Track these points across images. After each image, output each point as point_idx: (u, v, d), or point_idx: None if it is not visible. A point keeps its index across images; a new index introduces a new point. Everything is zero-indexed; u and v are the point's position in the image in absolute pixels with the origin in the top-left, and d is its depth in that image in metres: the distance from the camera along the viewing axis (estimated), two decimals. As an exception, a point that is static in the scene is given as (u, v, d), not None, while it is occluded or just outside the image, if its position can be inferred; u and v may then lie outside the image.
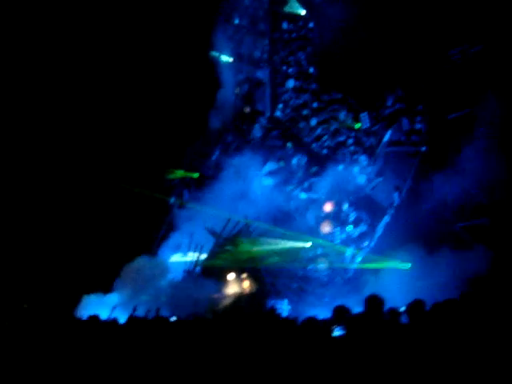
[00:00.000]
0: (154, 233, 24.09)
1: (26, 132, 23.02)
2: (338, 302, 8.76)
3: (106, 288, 20.75)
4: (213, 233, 21.33)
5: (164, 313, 13.23)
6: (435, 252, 17.38)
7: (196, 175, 25.15)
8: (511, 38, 15.81)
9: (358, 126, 21.66)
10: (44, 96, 23.55)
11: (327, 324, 7.24)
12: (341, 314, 7.29)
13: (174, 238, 23.19)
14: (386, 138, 20.70)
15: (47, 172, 22.83)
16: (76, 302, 19.77)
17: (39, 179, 22.79)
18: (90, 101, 23.95)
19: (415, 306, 7.54)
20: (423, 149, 19.71)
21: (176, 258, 22.47)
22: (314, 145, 22.47)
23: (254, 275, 20.06)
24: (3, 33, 22.47)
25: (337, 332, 7.18)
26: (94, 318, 8.56)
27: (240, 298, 18.78)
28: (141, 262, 21.39)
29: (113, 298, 19.92)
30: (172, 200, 25.23)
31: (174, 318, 9.09)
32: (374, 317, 6.36)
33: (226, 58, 24.76)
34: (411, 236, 18.07)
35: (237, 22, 24.64)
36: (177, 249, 22.69)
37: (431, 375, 5.32)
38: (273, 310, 11.19)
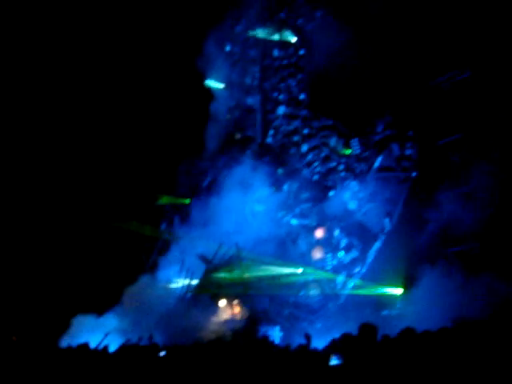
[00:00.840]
0: (145, 259, 23.97)
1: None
2: (330, 329, 8.73)
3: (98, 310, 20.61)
4: (204, 259, 21.24)
5: (156, 339, 13.10)
6: (426, 277, 17.40)
7: (187, 201, 25.11)
8: (498, 64, 15.96)
9: (348, 152, 21.74)
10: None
11: (324, 352, 7.21)
12: (341, 343, 7.26)
13: (165, 264, 23.04)
14: (377, 163, 20.78)
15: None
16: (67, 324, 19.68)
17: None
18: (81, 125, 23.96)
19: (406, 334, 7.54)
20: (413, 174, 19.79)
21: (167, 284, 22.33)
22: (304, 171, 22.48)
23: (246, 302, 19.96)
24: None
25: (334, 361, 7.16)
26: (84, 347, 8.46)
27: (231, 325, 18.64)
28: (144, 282, 21.36)
29: (106, 320, 19.85)
30: (163, 226, 25.16)
31: (163, 353, 8.98)
32: (369, 345, 6.34)
33: (216, 85, 24.90)
34: (402, 262, 18.09)
35: (228, 48, 24.80)
36: (167, 275, 22.55)
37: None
38: (265, 337, 11.05)
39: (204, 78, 24.73)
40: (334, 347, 8.11)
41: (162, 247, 24.22)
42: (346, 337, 7.60)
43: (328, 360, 7.28)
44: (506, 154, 15.42)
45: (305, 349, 9.10)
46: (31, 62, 23.54)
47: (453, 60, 18.37)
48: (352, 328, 7.87)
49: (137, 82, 23.84)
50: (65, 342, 16.48)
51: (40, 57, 23.55)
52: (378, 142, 21.00)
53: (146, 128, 23.98)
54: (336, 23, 21.50)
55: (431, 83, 19.22)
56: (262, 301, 19.87)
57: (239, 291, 20.02)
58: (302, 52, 23.63)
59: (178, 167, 24.90)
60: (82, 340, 9.58)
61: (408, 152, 20.11)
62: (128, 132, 23.90)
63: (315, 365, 7.22)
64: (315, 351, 8.15)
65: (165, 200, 25.40)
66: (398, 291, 18.26)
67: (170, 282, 22.25)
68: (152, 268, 23.46)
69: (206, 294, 20.56)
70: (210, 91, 24.84)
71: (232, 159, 24.45)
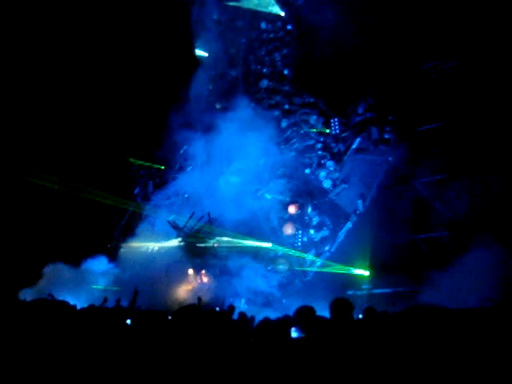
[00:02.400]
0: (117, 221, 23.91)
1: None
2: (295, 304, 8.79)
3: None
4: (175, 226, 21.23)
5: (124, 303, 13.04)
6: (392, 262, 17.62)
7: (162, 167, 25.03)
8: (485, 55, 16.03)
9: (327, 131, 21.75)
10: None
11: (285, 325, 7.24)
12: (304, 316, 7.30)
13: (137, 228, 23.01)
14: (355, 145, 20.83)
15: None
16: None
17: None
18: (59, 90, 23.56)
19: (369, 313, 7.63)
20: (390, 159, 19.88)
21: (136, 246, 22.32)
22: (282, 146, 22.45)
23: (214, 272, 20.06)
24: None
25: (294, 333, 7.20)
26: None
27: (198, 294, 18.71)
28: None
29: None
30: (136, 190, 25.08)
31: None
32: (340, 321, 6.39)
33: (201, 53, 24.66)
34: (372, 244, 18.28)
35: (215, 17, 24.51)
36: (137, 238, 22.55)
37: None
38: (231, 308, 11.10)
39: (191, 45, 24.49)
40: (295, 320, 8.17)
41: (135, 212, 24.17)
42: (306, 309, 7.64)
43: (288, 332, 7.35)
44: (485, 145, 15.54)
45: (268, 321, 9.17)
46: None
47: (439, 49, 18.37)
48: (317, 305, 7.95)
49: (122, 44, 23.50)
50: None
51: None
52: (358, 123, 21.01)
53: (127, 92, 23.74)
54: (326, 1, 21.39)
55: (416, 70, 19.22)
56: (230, 272, 19.94)
57: (208, 261, 20.12)
58: (289, 27, 23.45)
59: (155, 134, 24.67)
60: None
61: (387, 136, 20.16)
62: (108, 96, 23.63)
63: (276, 337, 7.27)
64: (277, 323, 8.20)
65: (141, 165, 25.26)
66: (365, 273, 18.47)
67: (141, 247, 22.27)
68: (123, 230, 23.42)
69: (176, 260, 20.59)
70: (195, 59, 24.60)
71: (211, 129, 24.36)
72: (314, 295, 16.70)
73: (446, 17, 17.48)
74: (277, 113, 23.01)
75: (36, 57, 22.92)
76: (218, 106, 24.45)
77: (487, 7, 16.29)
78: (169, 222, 21.26)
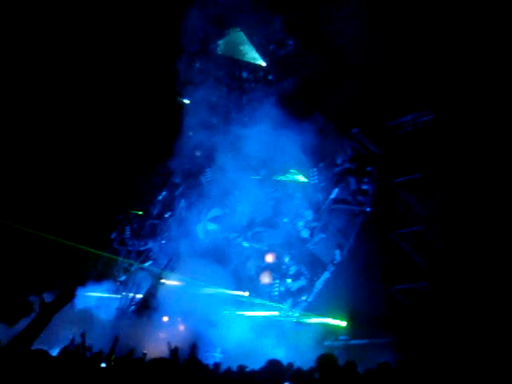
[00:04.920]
0: (92, 267, 23.55)
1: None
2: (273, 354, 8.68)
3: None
4: (151, 273, 21.02)
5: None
6: (369, 313, 17.56)
7: (140, 213, 24.88)
8: (462, 108, 16.37)
9: (306, 180, 21.85)
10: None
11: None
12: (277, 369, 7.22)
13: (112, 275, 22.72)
14: (333, 195, 20.95)
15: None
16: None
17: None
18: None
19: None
20: (368, 209, 20.01)
21: (108, 294, 21.97)
22: (260, 195, 22.48)
23: (189, 320, 19.75)
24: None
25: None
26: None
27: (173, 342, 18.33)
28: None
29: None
30: (113, 235, 24.83)
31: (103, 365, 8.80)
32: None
33: (184, 100, 24.83)
34: (349, 295, 18.21)
35: (198, 65, 24.74)
36: (114, 285, 22.22)
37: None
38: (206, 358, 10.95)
39: (176, 92, 24.67)
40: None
41: (111, 258, 23.88)
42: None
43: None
44: (460, 197, 15.75)
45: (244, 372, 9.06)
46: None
47: (417, 102, 18.76)
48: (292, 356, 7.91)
49: (105, 91, 23.64)
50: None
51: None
52: (337, 173, 21.17)
53: (107, 138, 23.75)
54: (307, 54, 21.79)
55: (394, 122, 19.56)
56: (206, 321, 19.66)
57: (183, 308, 19.83)
58: (270, 77, 23.74)
59: (134, 179, 24.59)
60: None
61: (364, 187, 20.33)
62: (89, 141, 23.61)
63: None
64: (258, 375, 8.08)
65: (118, 210, 25.10)
66: (343, 323, 18.35)
67: (114, 293, 21.94)
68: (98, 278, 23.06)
69: (151, 308, 20.27)
70: (179, 106, 24.76)
71: (189, 176, 24.40)
72: (292, 345, 16.56)
73: (424, 69, 17.89)
74: (254, 162, 23.08)
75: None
76: (197, 154, 24.48)
77: (463, 61, 16.69)
78: (145, 269, 21.08)
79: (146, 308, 20.42)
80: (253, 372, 8.87)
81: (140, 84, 23.67)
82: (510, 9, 15.63)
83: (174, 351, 10.96)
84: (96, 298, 22.05)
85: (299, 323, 19.27)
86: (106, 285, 22.52)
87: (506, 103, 15.29)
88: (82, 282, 22.50)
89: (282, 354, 10.97)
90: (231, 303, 19.87)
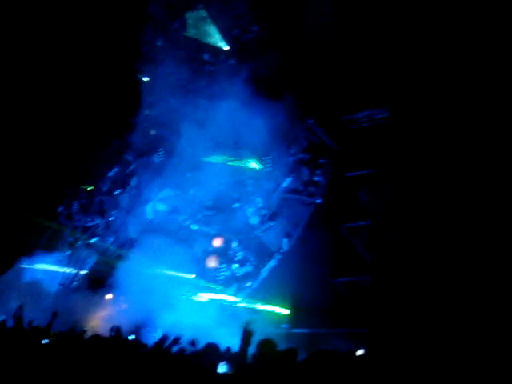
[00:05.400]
0: (36, 240, 23.08)
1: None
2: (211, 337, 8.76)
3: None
4: (97, 249, 20.78)
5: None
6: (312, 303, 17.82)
7: (90, 188, 24.48)
8: (417, 106, 16.62)
9: (259, 168, 21.88)
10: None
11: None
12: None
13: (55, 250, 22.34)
14: (285, 184, 21.05)
15: None
16: None
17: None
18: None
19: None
20: (318, 201, 20.21)
21: (53, 267, 21.61)
22: (213, 179, 22.41)
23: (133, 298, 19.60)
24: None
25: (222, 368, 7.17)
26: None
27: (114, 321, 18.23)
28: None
29: None
30: (60, 209, 24.35)
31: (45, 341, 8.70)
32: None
33: (143, 78, 24.48)
34: (294, 284, 18.40)
35: (159, 43, 24.39)
36: (56, 259, 21.85)
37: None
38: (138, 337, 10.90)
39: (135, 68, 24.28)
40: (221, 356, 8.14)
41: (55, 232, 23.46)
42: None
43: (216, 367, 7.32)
44: (409, 194, 16.03)
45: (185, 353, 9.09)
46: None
47: (373, 99, 18.98)
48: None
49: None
50: None
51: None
52: (290, 163, 21.27)
53: (61, 112, 23.25)
54: (271, 41, 21.74)
55: (350, 117, 19.76)
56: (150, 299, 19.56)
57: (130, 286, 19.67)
58: (232, 62, 23.56)
59: (86, 154, 24.14)
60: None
61: (317, 178, 20.52)
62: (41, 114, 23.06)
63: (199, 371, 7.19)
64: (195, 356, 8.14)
65: (67, 184, 24.61)
66: (286, 312, 18.55)
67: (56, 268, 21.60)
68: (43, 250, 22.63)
69: (93, 285, 20.07)
70: (137, 83, 24.39)
71: (142, 154, 24.15)
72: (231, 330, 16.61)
73: (380, 65, 18.11)
74: (209, 145, 22.96)
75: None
76: (152, 133, 24.20)
77: (420, 56, 16.91)
78: (89, 245, 20.81)
79: (89, 284, 20.20)
80: (191, 353, 8.93)
81: (100, 55, 23.21)
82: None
83: (116, 329, 10.91)
84: (42, 270, 21.73)
85: (242, 308, 19.35)
86: (52, 258, 22.14)
87: (459, 101, 15.59)
88: (30, 252, 22.15)
89: (222, 338, 11.00)
90: (178, 285, 19.80)
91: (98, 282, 20.28)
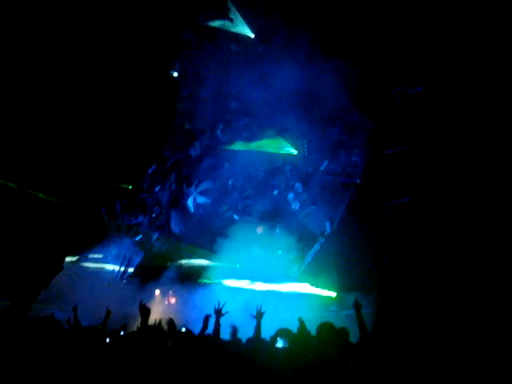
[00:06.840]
0: (82, 241, 23.45)
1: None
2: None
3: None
4: (143, 246, 21.05)
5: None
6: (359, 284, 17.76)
7: (130, 187, 24.77)
8: (450, 82, 16.41)
9: (296, 152, 21.88)
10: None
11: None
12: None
13: (102, 248, 22.67)
14: (323, 167, 21.00)
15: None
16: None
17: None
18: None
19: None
20: (358, 181, 20.12)
21: (101, 267, 21.98)
22: (250, 167, 22.50)
23: (182, 293, 19.85)
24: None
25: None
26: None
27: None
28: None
29: None
30: (103, 210, 24.71)
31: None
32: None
33: (172, 74, 24.61)
34: (340, 266, 18.39)
35: (186, 37, 24.45)
36: (103, 259, 22.20)
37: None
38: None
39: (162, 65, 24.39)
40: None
41: (101, 231, 23.78)
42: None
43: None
44: (452, 168, 15.86)
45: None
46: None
47: (406, 74, 18.77)
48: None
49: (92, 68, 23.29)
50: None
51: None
52: (326, 146, 21.20)
53: (96, 113, 23.48)
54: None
55: (383, 94, 19.56)
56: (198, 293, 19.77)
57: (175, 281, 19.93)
58: (259, 49, 23.51)
59: (123, 153, 24.40)
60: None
61: (354, 159, 20.42)
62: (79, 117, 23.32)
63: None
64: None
65: (108, 184, 24.92)
66: (333, 294, 18.55)
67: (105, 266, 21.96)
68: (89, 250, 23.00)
69: (142, 281, 20.34)
70: (169, 79, 24.51)
71: (179, 149, 24.31)
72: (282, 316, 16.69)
73: (413, 43, 17.89)
74: (245, 134, 23.05)
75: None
76: (186, 127, 24.36)
77: (453, 34, 16.69)
78: (136, 242, 21.08)
79: (138, 281, 20.48)
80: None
81: (129, 55, 23.35)
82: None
83: (170, 322, 11.06)
84: (94, 268, 22.13)
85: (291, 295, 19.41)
86: (102, 255, 22.51)
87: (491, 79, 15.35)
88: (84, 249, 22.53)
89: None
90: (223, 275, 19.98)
91: (146, 278, 20.56)
